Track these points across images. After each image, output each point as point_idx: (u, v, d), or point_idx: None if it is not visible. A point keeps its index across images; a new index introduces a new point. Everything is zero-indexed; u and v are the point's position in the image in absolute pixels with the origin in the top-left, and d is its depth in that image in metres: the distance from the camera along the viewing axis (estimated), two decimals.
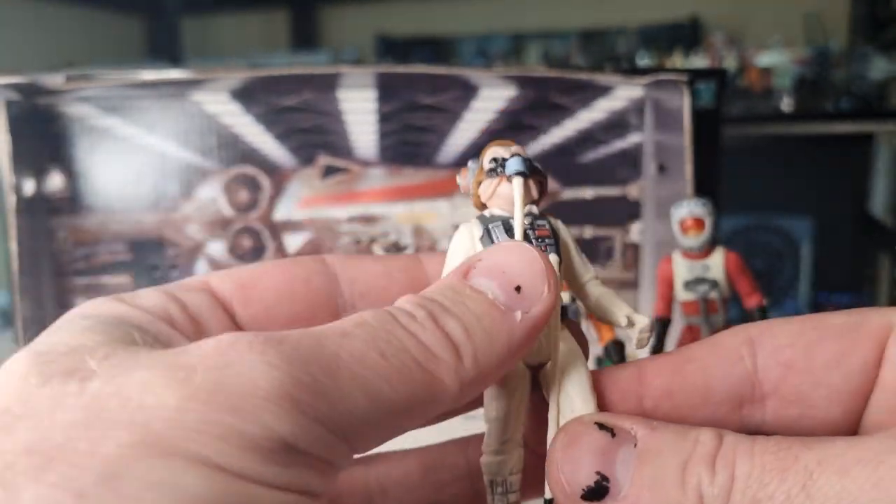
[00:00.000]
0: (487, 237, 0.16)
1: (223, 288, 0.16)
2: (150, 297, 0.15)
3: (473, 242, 0.16)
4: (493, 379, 0.14)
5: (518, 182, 0.16)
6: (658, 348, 0.40)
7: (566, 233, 0.17)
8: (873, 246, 1.78)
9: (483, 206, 0.17)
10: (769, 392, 0.15)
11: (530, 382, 0.16)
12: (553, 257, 0.16)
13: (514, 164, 0.16)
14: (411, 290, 0.15)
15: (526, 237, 0.16)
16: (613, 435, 0.14)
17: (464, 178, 0.17)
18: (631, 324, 0.16)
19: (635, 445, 0.14)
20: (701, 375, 0.16)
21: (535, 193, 0.16)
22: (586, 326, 0.39)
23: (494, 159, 0.16)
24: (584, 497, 0.14)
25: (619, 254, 0.55)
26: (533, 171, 0.16)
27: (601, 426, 0.14)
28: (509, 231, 0.16)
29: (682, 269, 0.41)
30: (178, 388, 0.12)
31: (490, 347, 0.14)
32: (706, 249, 0.40)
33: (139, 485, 0.11)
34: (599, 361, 0.52)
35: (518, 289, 0.14)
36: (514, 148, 0.17)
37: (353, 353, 0.13)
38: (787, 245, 1.99)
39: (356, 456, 0.13)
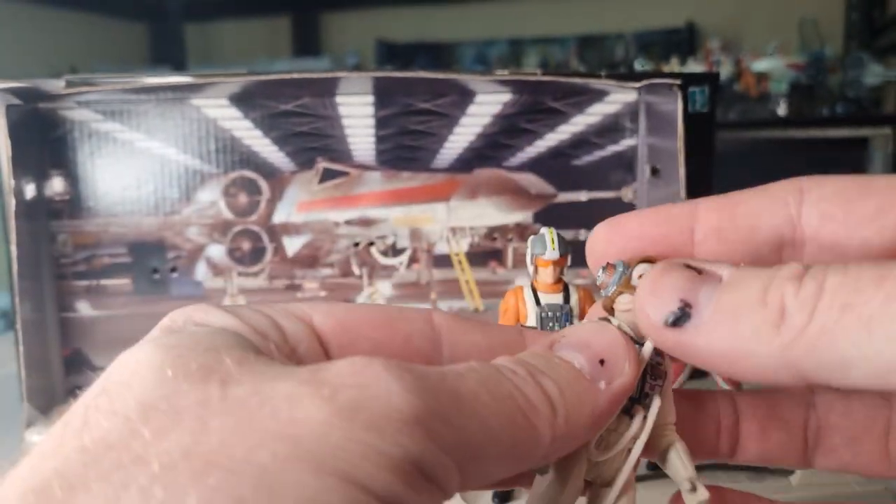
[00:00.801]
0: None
1: (324, 325, 0.16)
2: (255, 316, 0.15)
3: None
4: (577, 443, 0.15)
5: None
6: None
7: (668, 382, 0.17)
8: None
9: (611, 311, 0.17)
10: (809, 237, 0.16)
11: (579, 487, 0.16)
12: (657, 400, 0.16)
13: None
14: None
15: (645, 370, 0.16)
16: (700, 273, 0.15)
17: (607, 277, 0.17)
18: (693, 489, 0.16)
19: (720, 281, 0.14)
20: (749, 215, 0.16)
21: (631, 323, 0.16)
22: None
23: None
24: (666, 323, 0.14)
25: None
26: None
27: (688, 266, 0.15)
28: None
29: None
30: (323, 404, 0.12)
31: (579, 409, 0.15)
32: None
33: (293, 497, 0.11)
34: None
35: (602, 362, 0.15)
36: None
37: (471, 391, 0.13)
38: None
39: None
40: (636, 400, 0.16)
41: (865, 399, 0.17)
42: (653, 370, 0.16)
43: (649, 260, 0.16)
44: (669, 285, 0.15)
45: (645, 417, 0.16)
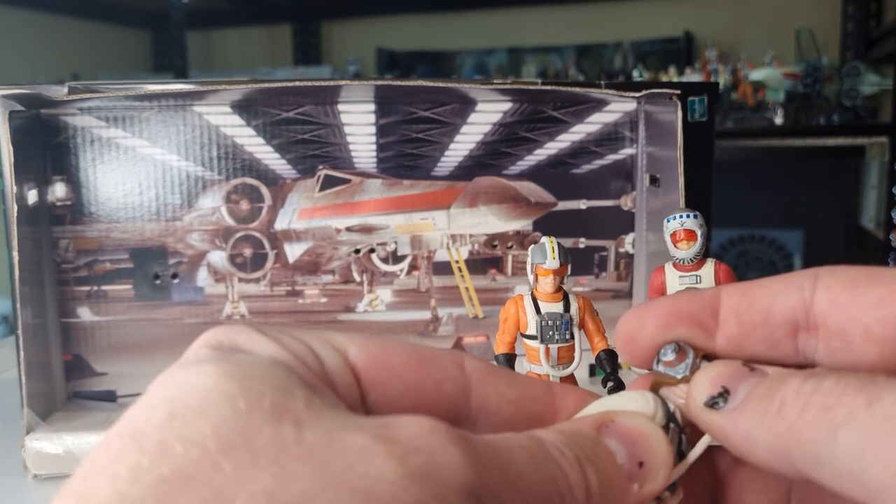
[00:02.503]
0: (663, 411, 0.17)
1: (359, 360, 0.16)
2: (296, 344, 0.15)
3: (648, 407, 0.17)
4: None
5: (706, 440, 0.17)
6: None
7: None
8: (864, 257, 1.79)
9: (656, 386, 0.17)
10: (820, 323, 0.17)
11: None
12: (680, 492, 0.16)
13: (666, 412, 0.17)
14: (538, 422, 0.16)
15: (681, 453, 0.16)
16: (751, 370, 0.16)
17: (677, 360, 0.17)
18: None
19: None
20: (766, 299, 0.17)
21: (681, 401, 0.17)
22: (578, 334, 0.40)
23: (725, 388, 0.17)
24: (705, 404, 0.16)
25: (612, 264, 0.55)
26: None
27: (744, 363, 0.17)
28: (678, 444, 0.16)
29: (673, 279, 0.42)
30: (397, 465, 0.12)
31: (611, 502, 0.15)
32: (697, 261, 0.41)
33: None
34: (592, 369, 0.53)
35: (641, 465, 0.16)
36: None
37: (518, 468, 0.14)
38: (779, 256, 2.00)
39: None
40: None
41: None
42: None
43: (710, 356, 0.17)
44: (719, 373, 0.16)
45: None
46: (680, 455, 0.16)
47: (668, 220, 0.41)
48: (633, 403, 0.17)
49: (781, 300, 0.17)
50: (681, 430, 0.17)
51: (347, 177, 0.53)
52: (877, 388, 0.14)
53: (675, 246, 0.41)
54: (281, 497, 0.11)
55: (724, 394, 0.16)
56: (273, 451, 0.12)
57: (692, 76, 1.73)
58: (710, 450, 0.17)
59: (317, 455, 0.12)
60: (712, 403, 0.16)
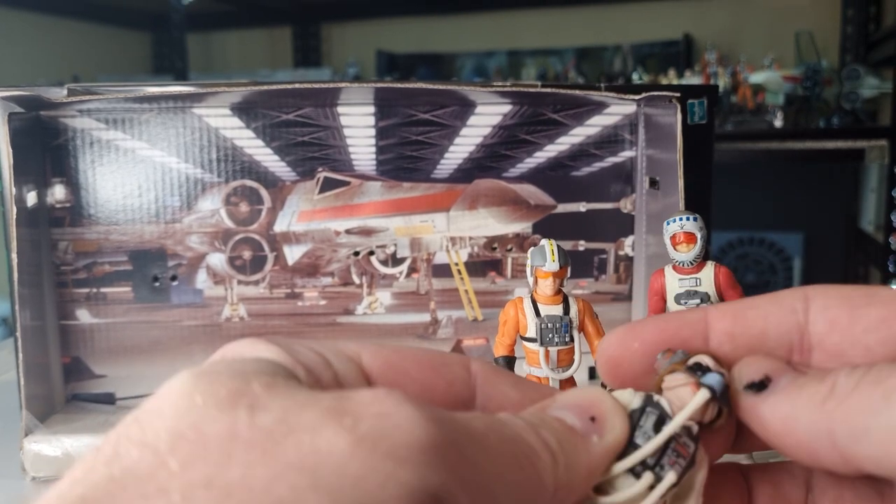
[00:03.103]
0: (639, 414, 0.16)
1: (373, 366, 0.16)
2: (307, 353, 0.15)
3: (630, 401, 0.17)
4: (577, 494, 0.16)
5: (703, 395, 0.16)
6: None
7: (700, 473, 0.17)
8: (864, 260, 1.79)
9: (660, 390, 0.17)
10: (815, 344, 0.17)
11: None
12: (671, 475, 0.16)
13: (713, 380, 0.17)
14: None
15: (667, 443, 0.16)
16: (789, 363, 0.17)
17: (664, 359, 0.17)
18: None
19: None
20: (759, 321, 0.17)
21: (707, 417, 0.17)
22: (578, 337, 0.40)
23: (699, 364, 0.17)
24: (746, 387, 0.16)
25: (611, 267, 0.55)
26: (722, 401, 0.17)
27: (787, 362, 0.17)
28: (658, 425, 0.16)
29: (673, 282, 0.42)
30: (345, 434, 0.12)
31: (576, 460, 0.15)
32: (697, 263, 0.41)
33: None
34: (592, 372, 0.53)
35: (592, 419, 0.16)
36: (715, 370, 0.17)
37: (480, 431, 0.14)
38: (779, 259, 2.00)
39: None
40: (650, 467, 0.16)
41: (858, 489, 0.17)
42: (678, 446, 0.16)
43: (708, 356, 0.17)
44: (762, 362, 0.17)
45: (652, 487, 0.16)
46: (667, 447, 0.16)
47: (668, 223, 0.41)
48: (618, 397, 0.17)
49: (775, 323, 0.17)
50: (663, 414, 0.16)
51: (347, 179, 0.53)
52: None
53: (675, 248, 0.41)
54: (219, 481, 0.11)
55: (766, 381, 0.16)
56: (223, 439, 0.12)
57: (692, 79, 1.73)
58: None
59: (267, 438, 0.12)
60: (753, 387, 0.16)
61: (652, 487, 0.16)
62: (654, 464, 0.16)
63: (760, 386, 0.16)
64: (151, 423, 0.12)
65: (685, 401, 0.16)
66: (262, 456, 0.12)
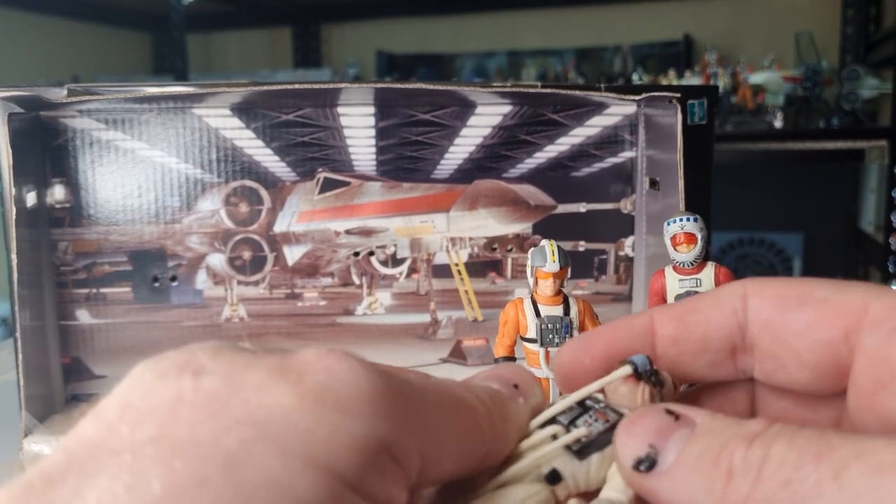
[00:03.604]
0: (578, 406, 0.17)
1: None
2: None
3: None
4: (508, 446, 0.16)
5: (624, 370, 0.17)
6: None
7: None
8: (864, 260, 1.79)
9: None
10: (752, 344, 0.17)
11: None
12: (581, 430, 0.16)
13: (637, 357, 0.17)
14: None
15: (585, 410, 0.17)
16: (676, 419, 0.15)
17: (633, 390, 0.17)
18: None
19: (692, 430, 0.15)
20: (701, 325, 0.17)
21: (640, 399, 0.16)
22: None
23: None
24: (633, 467, 0.15)
25: (612, 267, 0.55)
26: (645, 377, 0.16)
27: (668, 411, 0.16)
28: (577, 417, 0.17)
29: (673, 283, 0.42)
30: (291, 388, 0.12)
31: (506, 414, 0.16)
32: (697, 264, 0.41)
33: (257, 479, 0.11)
34: None
35: (515, 386, 0.17)
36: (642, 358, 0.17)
37: (418, 384, 0.14)
38: (779, 259, 2.00)
39: None
40: (563, 424, 0.16)
41: (800, 400, 0.18)
42: (597, 413, 0.17)
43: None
44: (644, 426, 0.15)
45: (555, 437, 0.16)
46: (584, 413, 0.17)
47: (668, 224, 0.41)
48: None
49: (716, 325, 0.17)
50: (608, 406, 0.17)
51: (347, 179, 0.53)
52: (836, 453, 0.13)
53: (675, 249, 0.41)
54: (167, 438, 0.12)
55: (652, 453, 0.15)
56: (169, 403, 0.12)
57: (692, 79, 1.73)
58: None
59: (213, 396, 0.12)
60: (640, 465, 0.15)
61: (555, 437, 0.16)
62: (567, 423, 0.16)
63: (649, 464, 0.15)
64: (105, 403, 0.13)
65: (619, 391, 0.17)
66: (208, 414, 0.12)
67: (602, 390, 0.17)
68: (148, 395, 0.13)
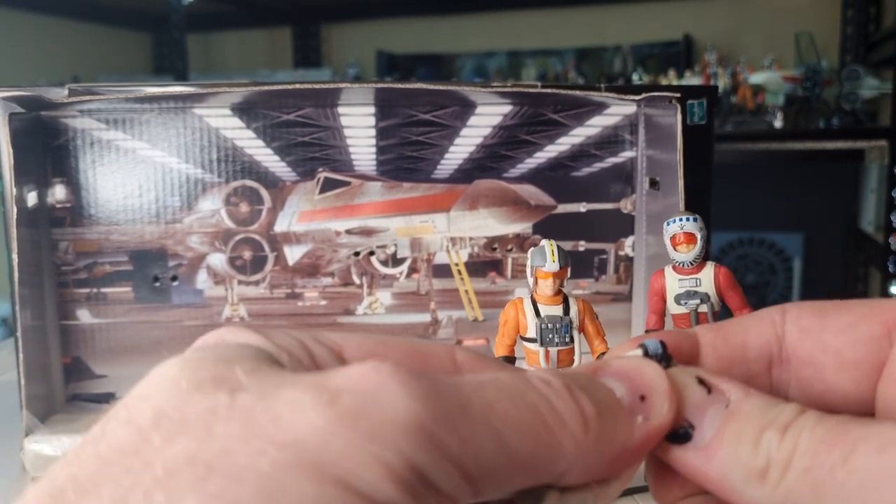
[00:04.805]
0: None
1: (355, 358, 0.16)
2: (285, 338, 0.15)
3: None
4: (599, 470, 0.15)
5: (635, 353, 0.17)
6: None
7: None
8: (864, 260, 1.79)
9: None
10: (791, 354, 0.17)
11: None
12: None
13: (650, 342, 0.17)
14: None
15: None
16: (709, 392, 0.15)
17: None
18: None
19: (727, 406, 0.15)
20: (740, 334, 0.18)
21: None
22: (578, 338, 0.40)
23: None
24: (668, 438, 0.15)
25: (612, 267, 0.55)
26: (656, 359, 0.16)
27: (701, 381, 0.16)
28: None
29: (673, 283, 0.42)
30: (324, 410, 0.12)
31: (613, 435, 0.14)
32: (697, 264, 0.41)
33: None
34: None
35: (642, 398, 0.15)
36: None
37: (487, 400, 0.13)
38: (779, 259, 2.00)
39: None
40: None
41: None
42: None
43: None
44: (678, 399, 0.15)
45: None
46: None
47: (668, 224, 0.41)
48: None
49: (755, 334, 0.17)
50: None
51: (347, 179, 0.53)
52: (847, 438, 0.14)
53: (675, 249, 0.41)
54: (202, 456, 0.11)
55: (689, 427, 0.15)
56: (204, 418, 0.12)
57: (692, 79, 1.73)
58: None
59: (247, 414, 0.12)
60: (677, 438, 0.15)
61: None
62: None
63: (684, 436, 0.15)
64: (137, 405, 0.13)
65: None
66: (243, 431, 0.12)
67: None
68: (183, 406, 0.12)
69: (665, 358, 0.16)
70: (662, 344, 0.17)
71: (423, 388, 0.13)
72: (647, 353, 0.16)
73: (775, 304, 0.18)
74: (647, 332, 0.41)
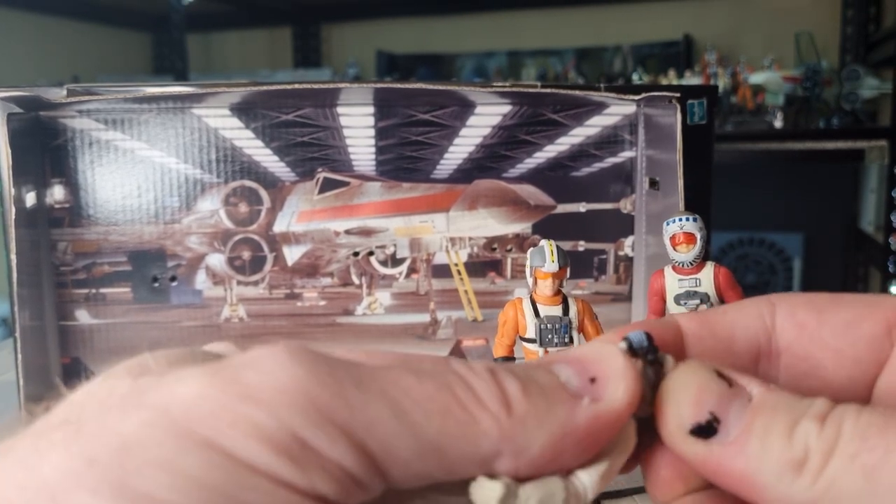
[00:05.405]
0: None
1: None
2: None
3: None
4: (549, 457, 0.13)
5: (620, 346, 0.15)
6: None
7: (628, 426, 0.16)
8: (864, 260, 1.79)
9: None
10: (783, 348, 0.17)
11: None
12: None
13: (634, 334, 0.15)
14: None
15: None
16: (730, 385, 0.15)
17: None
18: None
19: (750, 400, 0.15)
20: (726, 327, 0.17)
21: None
22: (577, 338, 0.40)
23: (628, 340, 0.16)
24: (692, 432, 0.14)
25: (611, 267, 0.55)
26: (640, 353, 0.15)
27: (720, 374, 0.15)
28: None
29: (673, 283, 0.42)
30: (203, 377, 0.12)
31: (545, 416, 0.13)
32: (697, 264, 0.41)
33: (146, 459, 0.11)
34: None
35: (593, 380, 0.14)
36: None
37: (389, 375, 0.13)
38: (779, 259, 2.00)
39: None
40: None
41: None
42: None
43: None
44: (702, 393, 0.15)
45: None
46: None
47: (668, 224, 0.41)
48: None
49: (742, 327, 0.17)
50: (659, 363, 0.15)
51: (346, 179, 0.53)
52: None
53: (675, 249, 0.41)
54: (81, 423, 0.12)
55: (714, 422, 0.14)
56: (99, 397, 0.13)
57: (692, 79, 1.73)
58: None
59: (137, 390, 0.13)
60: (700, 431, 0.14)
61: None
62: None
63: (709, 430, 0.14)
64: (66, 402, 0.14)
65: None
66: (124, 402, 0.12)
67: None
68: (89, 390, 0.13)
69: (651, 350, 0.15)
70: (648, 336, 0.15)
71: (314, 358, 0.13)
72: (631, 346, 0.15)
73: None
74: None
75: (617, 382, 0.14)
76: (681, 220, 0.41)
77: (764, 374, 0.17)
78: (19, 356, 0.44)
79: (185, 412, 0.12)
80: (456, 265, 0.54)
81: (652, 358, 0.15)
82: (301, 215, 0.53)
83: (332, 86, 0.48)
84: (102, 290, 0.51)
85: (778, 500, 0.14)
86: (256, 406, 0.12)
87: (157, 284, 0.52)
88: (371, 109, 0.51)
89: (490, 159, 0.53)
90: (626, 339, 0.15)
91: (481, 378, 0.13)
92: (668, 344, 0.17)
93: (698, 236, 0.41)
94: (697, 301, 0.41)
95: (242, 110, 0.50)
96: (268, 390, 0.12)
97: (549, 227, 0.54)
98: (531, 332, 0.39)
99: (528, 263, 0.40)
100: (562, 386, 0.14)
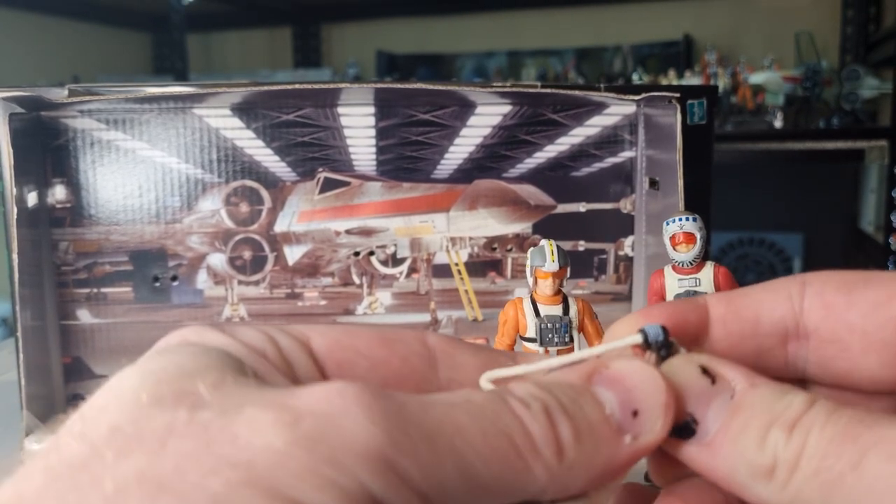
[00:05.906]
0: None
1: (321, 346, 0.16)
2: (250, 333, 0.15)
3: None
4: (584, 489, 0.14)
5: (634, 338, 0.16)
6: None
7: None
8: (864, 261, 1.79)
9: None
10: (811, 330, 0.16)
11: None
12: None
13: (651, 328, 0.16)
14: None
15: None
16: (714, 382, 0.15)
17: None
18: None
19: (732, 396, 0.15)
20: (752, 308, 0.17)
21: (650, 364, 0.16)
22: (577, 337, 0.40)
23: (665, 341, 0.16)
24: (670, 433, 0.14)
25: (611, 267, 0.55)
26: (656, 349, 0.15)
27: (704, 371, 0.15)
28: None
29: (672, 282, 0.42)
30: (283, 431, 0.12)
31: (591, 460, 0.14)
32: (697, 264, 0.41)
33: None
34: None
35: (635, 413, 0.14)
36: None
37: (455, 426, 0.13)
38: (779, 260, 2.00)
39: None
40: None
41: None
42: None
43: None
44: (681, 395, 0.15)
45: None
46: None
47: (668, 224, 0.41)
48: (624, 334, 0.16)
49: (768, 309, 0.16)
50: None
51: (347, 179, 0.53)
52: (859, 441, 0.13)
53: (675, 249, 0.41)
54: (152, 473, 0.11)
55: (692, 423, 0.14)
56: (159, 434, 0.12)
57: (692, 79, 1.73)
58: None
59: (204, 431, 0.12)
60: (679, 433, 0.15)
61: None
62: None
63: (687, 431, 0.14)
64: (94, 417, 0.12)
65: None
66: (196, 449, 0.12)
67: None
68: (140, 420, 0.12)
69: (666, 345, 0.15)
70: (664, 330, 0.15)
71: (385, 414, 0.12)
72: (646, 341, 0.15)
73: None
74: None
75: (656, 420, 0.14)
76: (680, 219, 0.41)
77: (794, 355, 0.17)
78: (21, 356, 0.44)
79: (271, 472, 0.11)
80: (456, 265, 0.55)
81: (665, 354, 0.15)
82: (302, 215, 0.53)
83: (332, 86, 0.48)
84: (104, 290, 0.51)
85: (756, 497, 0.14)
86: (341, 472, 0.12)
87: (158, 284, 0.52)
88: (371, 109, 0.52)
89: (490, 159, 0.53)
90: (642, 331, 0.16)
91: (538, 422, 0.13)
92: (692, 326, 0.17)
93: (698, 236, 0.41)
94: None
95: (243, 110, 0.50)
96: (351, 455, 0.12)
97: (549, 226, 0.54)
98: (531, 332, 0.40)
99: (528, 263, 0.40)
100: (607, 421, 0.14)
